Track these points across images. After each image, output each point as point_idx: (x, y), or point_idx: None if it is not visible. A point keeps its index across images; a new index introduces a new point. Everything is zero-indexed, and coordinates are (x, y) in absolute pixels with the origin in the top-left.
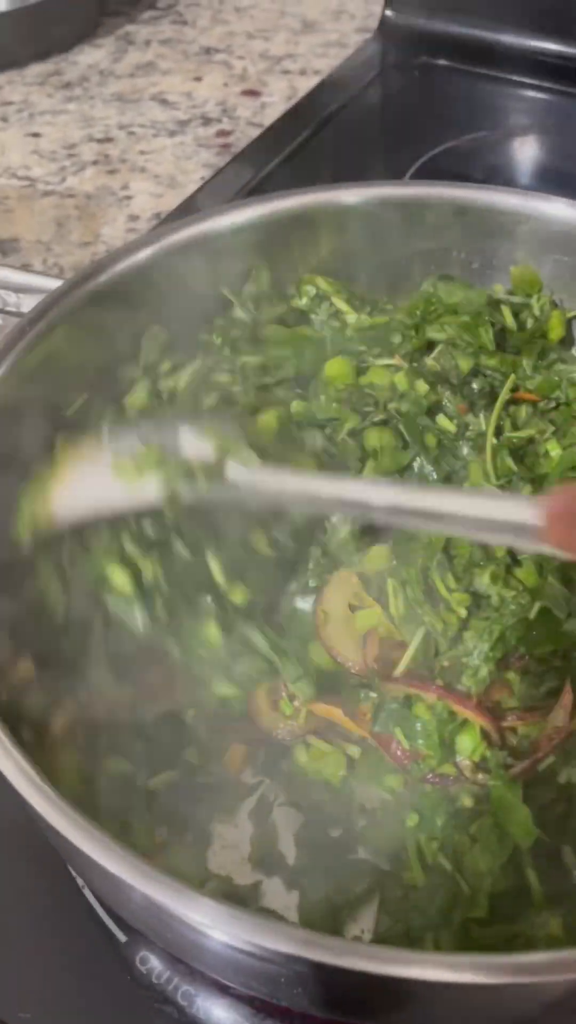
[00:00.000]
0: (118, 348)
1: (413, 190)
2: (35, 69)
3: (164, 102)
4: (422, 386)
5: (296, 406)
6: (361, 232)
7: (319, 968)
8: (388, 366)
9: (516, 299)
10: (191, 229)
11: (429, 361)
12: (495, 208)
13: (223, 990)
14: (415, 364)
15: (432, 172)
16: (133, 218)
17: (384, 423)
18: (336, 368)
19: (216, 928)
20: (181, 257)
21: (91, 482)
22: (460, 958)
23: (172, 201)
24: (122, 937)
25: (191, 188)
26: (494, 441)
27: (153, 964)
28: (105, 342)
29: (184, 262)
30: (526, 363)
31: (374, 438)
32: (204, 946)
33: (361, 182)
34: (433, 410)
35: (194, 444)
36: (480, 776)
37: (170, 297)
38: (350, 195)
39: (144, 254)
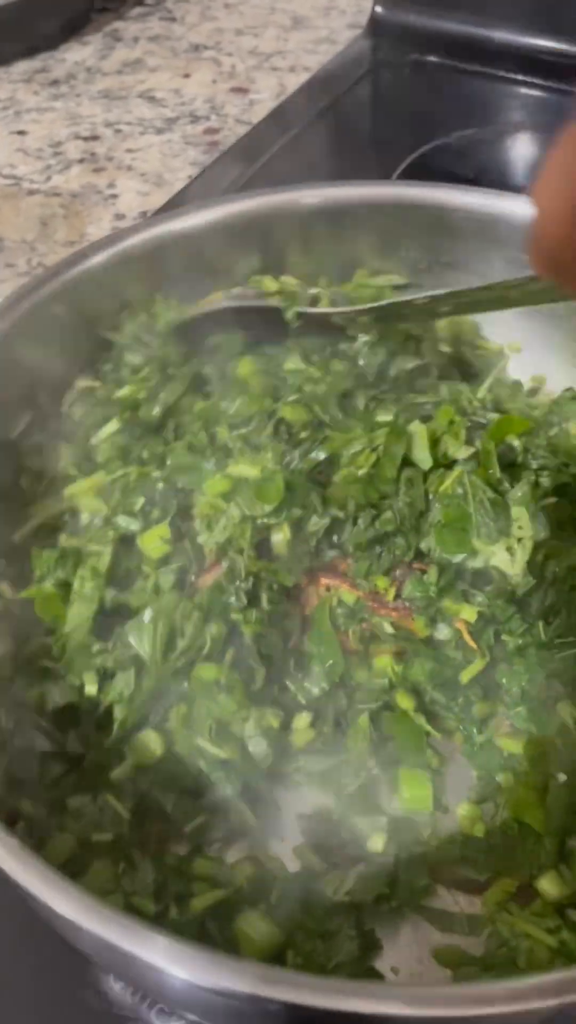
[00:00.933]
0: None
1: (363, 190)
2: (21, 66)
3: (152, 99)
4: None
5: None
6: (309, 231)
7: (282, 1006)
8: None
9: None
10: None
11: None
12: (445, 206)
13: None
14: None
15: (422, 170)
16: (119, 217)
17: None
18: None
19: (174, 966)
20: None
21: None
22: (419, 991)
23: (159, 199)
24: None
25: (178, 186)
26: None
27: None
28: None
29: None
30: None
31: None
32: (165, 984)
33: (310, 183)
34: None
35: None
36: None
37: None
38: (305, 196)
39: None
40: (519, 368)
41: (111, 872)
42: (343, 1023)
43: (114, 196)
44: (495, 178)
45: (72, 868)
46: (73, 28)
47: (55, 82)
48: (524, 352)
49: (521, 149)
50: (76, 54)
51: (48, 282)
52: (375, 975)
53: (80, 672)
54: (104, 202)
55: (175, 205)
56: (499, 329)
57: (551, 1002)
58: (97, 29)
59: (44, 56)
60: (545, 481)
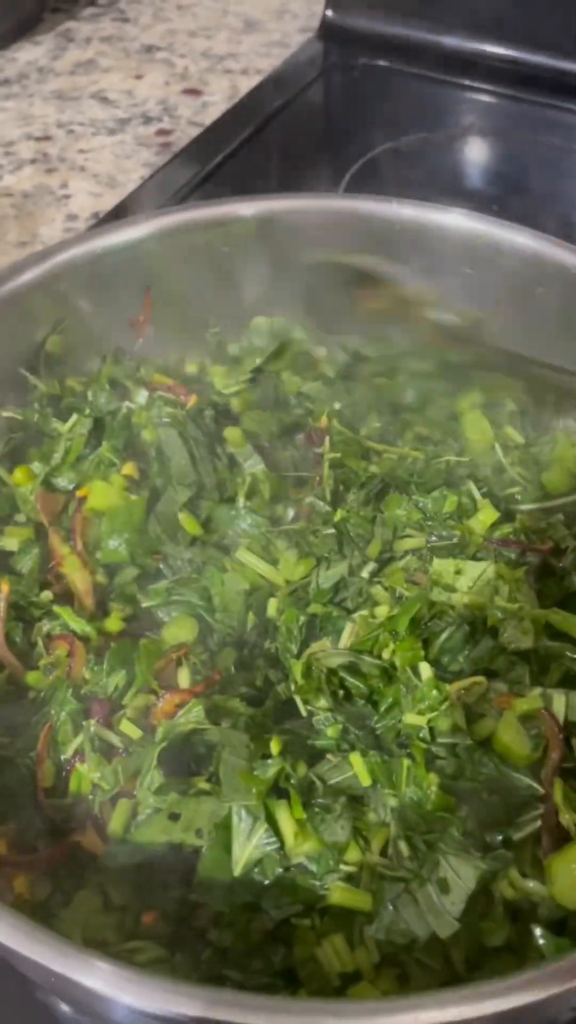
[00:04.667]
0: None
1: (312, 202)
2: None
3: (104, 100)
4: None
5: None
6: (254, 245)
7: None
8: None
9: None
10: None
11: None
12: (395, 221)
13: None
14: None
15: (373, 173)
16: (72, 218)
17: None
18: None
19: (117, 992)
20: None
21: None
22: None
23: (111, 201)
24: None
25: (131, 187)
26: None
27: None
28: None
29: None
30: None
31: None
32: (110, 1010)
33: (254, 195)
34: None
35: None
36: None
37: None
38: (245, 208)
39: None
40: None
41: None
42: None
43: (67, 197)
44: (445, 182)
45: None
46: (25, 28)
47: (7, 82)
48: None
49: (469, 153)
50: (28, 54)
51: None
52: None
53: None
54: (56, 203)
55: (127, 207)
56: None
57: None
58: (49, 29)
59: None
60: None
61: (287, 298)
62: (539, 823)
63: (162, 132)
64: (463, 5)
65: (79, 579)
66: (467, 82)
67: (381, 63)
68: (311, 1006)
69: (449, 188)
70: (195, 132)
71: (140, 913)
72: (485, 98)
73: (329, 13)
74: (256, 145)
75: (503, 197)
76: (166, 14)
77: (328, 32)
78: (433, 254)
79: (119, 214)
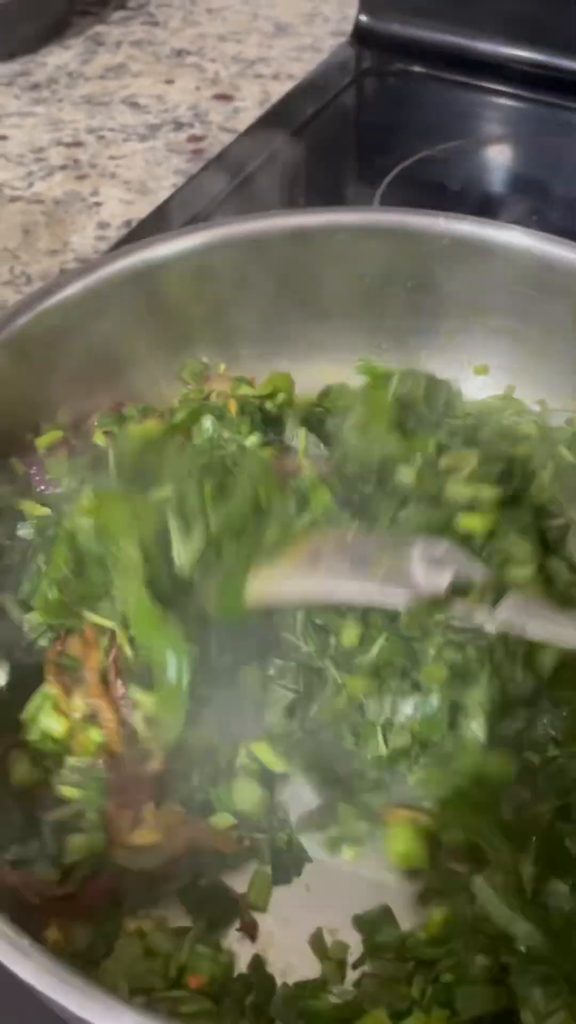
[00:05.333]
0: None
1: (360, 216)
2: (1, 70)
3: (135, 105)
4: None
5: None
6: (306, 259)
7: None
8: None
9: None
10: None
11: None
12: (447, 237)
13: None
14: None
15: (408, 182)
16: (103, 226)
17: None
18: None
19: None
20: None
21: (323, 573)
22: None
23: (143, 209)
24: None
25: (163, 195)
26: None
27: None
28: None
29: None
30: None
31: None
32: None
33: (311, 208)
34: None
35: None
36: None
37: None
38: (299, 220)
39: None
40: (487, 388)
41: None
42: None
43: (97, 204)
44: (480, 192)
45: None
46: (53, 31)
47: (36, 86)
48: (492, 372)
49: (506, 161)
50: (57, 58)
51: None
52: None
53: None
54: (88, 210)
55: (160, 215)
56: (465, 353)
57: None
58: (78, 33)
59: (24, 59)
60: None
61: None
62: None
63: (193, 138)
64: (499, 9)
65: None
66: (503, 88)
67: (416, 68)
68: None
69: (485, 197)
70: (227, 138)
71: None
72: (522, 104)
73: (363, 18)
74: (289, 153)
75: (541, 207)
76: (196, 18)
77: (361, 37)
78: (486, 273)
79: (155, 223)
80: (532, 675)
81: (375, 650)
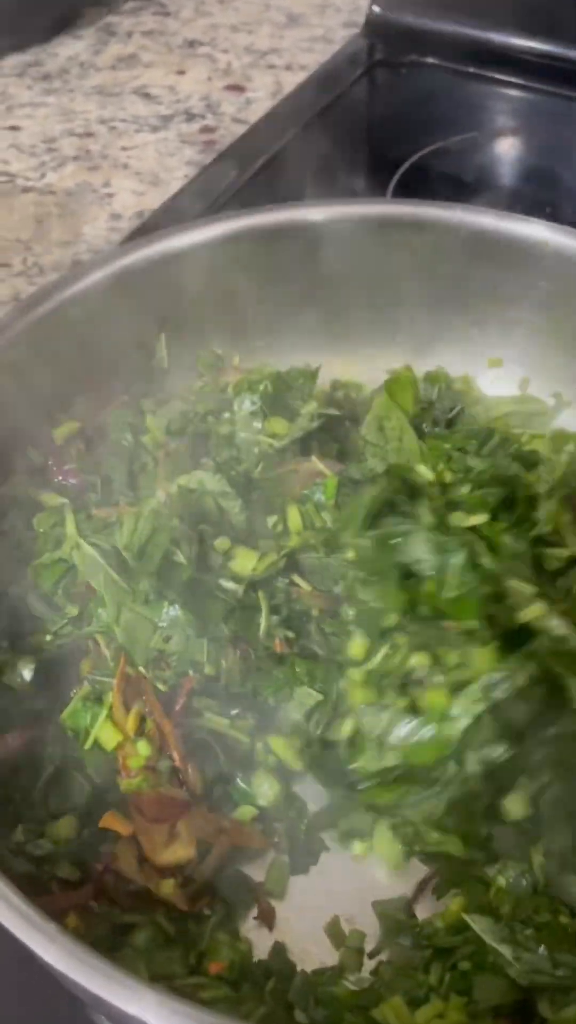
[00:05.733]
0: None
1: (378, 208)
2: (13, 60)
3: (146, 96)
4: None
5: None
6: (325, 253)
7: None
8: None
9: None
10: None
11: None
12: (464, 229)
13: None
14: None
15: (421, 174)
16: (115, 217)
17: None
18: None
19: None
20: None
21: None
22: None
23: (155, 200)
24: None
25: (175, 186)
26: None
27: None
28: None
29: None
30: None
31: None
32: None
33: (325, 200)
34: None
35: None
36: None
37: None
38: (313, 213)
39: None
40: (501, 380)
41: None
42: None
43: (109, 195)
44: (493, 184)
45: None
46: (65, 22)
47: (47, 76)
48: (506, 365)
49: (519, 153)
50: (69, 48)
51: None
52: None
53: None
54: (100, 201)
55: (172, 206)
56: (480, 347)
57: None
58: (90, 23)
59: (36, 50)
60: None
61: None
62: None
63: (206, 129)
64: (512, 0)
65: None
66: (517, 80)
67: (428, 60)
68: None
69: (498, 189)
70: (239, 129)
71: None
72: (534, 96)
73: (375, 8)
74: (301, 145)
75: (555, 199)
76: (207, 8)
77: (373, 28)
78: (503, 266)
79: (168, 215)
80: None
81: (376, 660)
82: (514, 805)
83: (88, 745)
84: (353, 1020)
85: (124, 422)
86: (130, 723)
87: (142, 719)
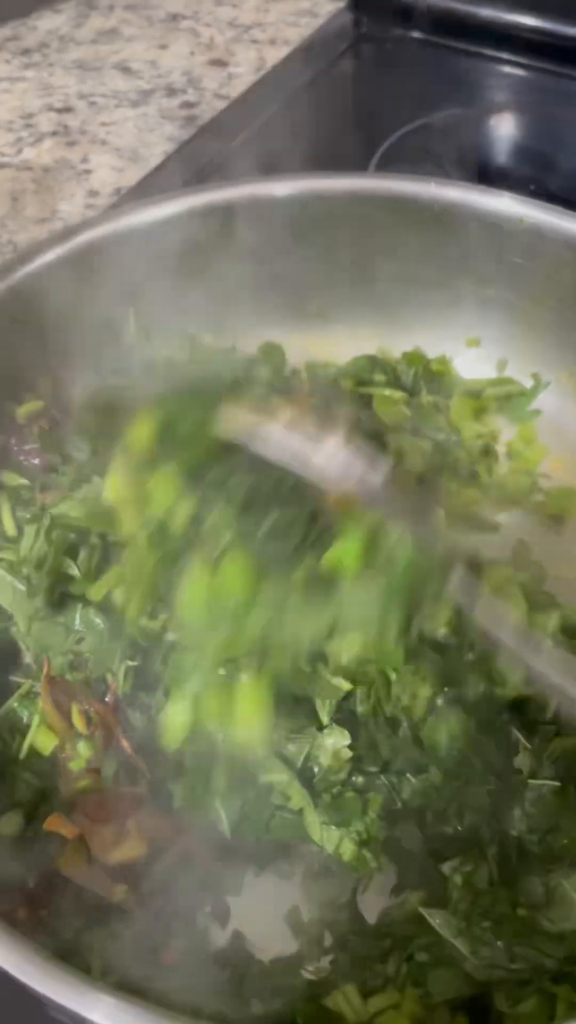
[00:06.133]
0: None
1: (349, 182)
2: None
3: (127, 71)
4: None
5: None
6: (290, 229)
7: None
8: None
9: None
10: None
11: None
12: (437, 203)
13: None
14: None
15: (405, 151)
16: (93, 193)
17: None
18: None
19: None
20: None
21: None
22: None
23: (134, 176)
24: None
25: (154, 162)
26: None
27: None
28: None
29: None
30: None
31: None
32: None
33: (287, 174)
34: None
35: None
36: None
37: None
38: (279, 188)
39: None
40: (479, 360)
41: None
42: None
43: (87, 172)
44: (479, 161)
45: None
46: None
47: (27, 51)
48: (484, 345)
49: (505, 130)
50: (49, 22)
51: None
52: None
53: None
54: (77, 177)
55: (150, 183)
56: (458, 326)
57: None
58: None
59: (15, 24)
60: None
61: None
62: None
63: (186, 105)
64: None
65: None
66: (503, 55)
67: (414, 35)
68: None
69: (484, 166)
70: (220, 105)
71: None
72: (522, 72)
73: None
74: (284, 120)
75: (540, 177)
76: None
77: (359, 2)
78: (475, 240)
79: (143, 191)
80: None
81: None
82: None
83: (23, 753)
84: (306, 1009)
85: (89, 401)
86: (77, 721)
87: (87, 717)
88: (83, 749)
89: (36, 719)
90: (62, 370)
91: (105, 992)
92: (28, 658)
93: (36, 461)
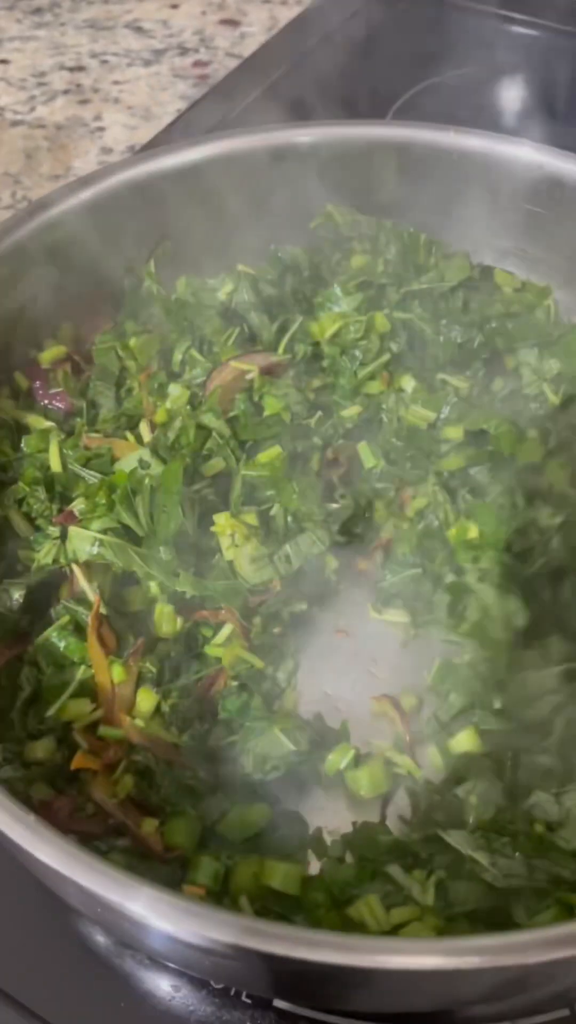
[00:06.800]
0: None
1: (369, 130)
2: None
3: (139, 30)
4: None
5: None
6: (313, 175)
7: (264, 957)
8: None
9: None
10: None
11: None
12: (456, 150)
13: None
14: None
15: (416, 109)
16: (106, 151)
17: None
18: None
19: (155, 918)
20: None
21: None
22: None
23: (146, 134)
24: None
25: (166, 120)
26: None
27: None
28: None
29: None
30: None
31: None
32: (147, 936)
33: (313, 122)
34: None
35: None
36: None
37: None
38: (303, 135)
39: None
40: None
41: None
42: (321, 972)
43: (101, 129)
44: (490, 119)
45: None
46: None
47: (38, 10)
48: None
49: (516, 90)
50: None
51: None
52: None
53: None
54: (90, 135)
55: (163, 140)
56: None
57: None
58: None
59: None
60: None
61: None
62: None
63: (199, 64)
64: None
65: None
66: (514, 15)
67: None
68: (347, 942)
69: (495, 124)
70: (232, 64)
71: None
72: (532, 32)
73: None
74: (295, 79)
75: (552, 135)
76: None
77: None
78: (496, 191)
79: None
80: None
81: None
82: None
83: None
84: (329, 918)
85: (110, 347)
86: (133, 674)
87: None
88: (145, 701)
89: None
90: (82, 316)
91: (146, 884)
92: (83, 582)
93: (61, 405)
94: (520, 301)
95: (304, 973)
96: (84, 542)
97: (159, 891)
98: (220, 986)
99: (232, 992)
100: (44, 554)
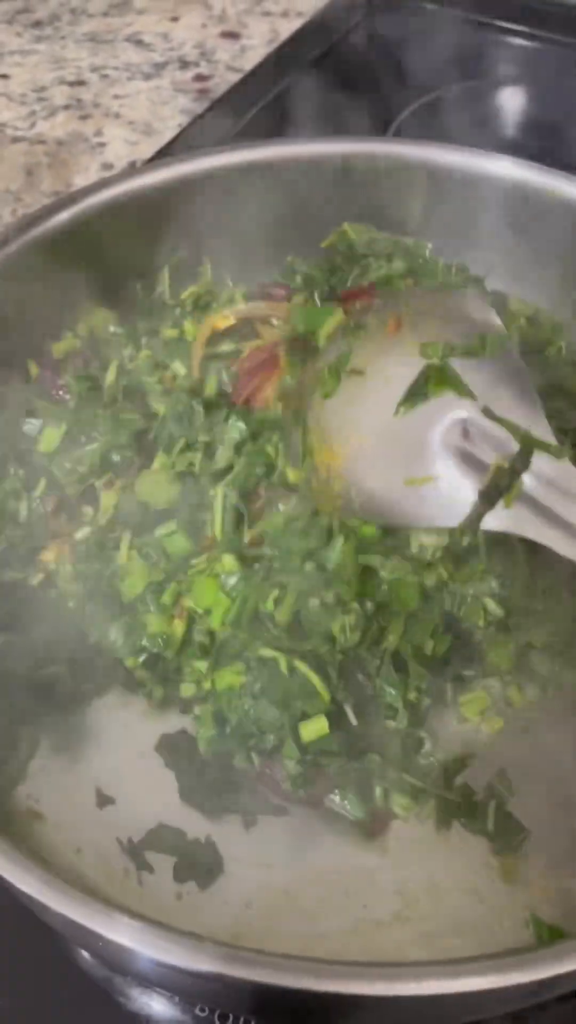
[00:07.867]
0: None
1: (351, 147)
2: (2, 7)
3: (139, 43)
4: None
5: None
6: (296, 191)
7: (247, 984)
8: None
9: None
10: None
11: None
12: (437, 166)
13: None
14: None
15: (419, 123)
16: (107, 166)
17: None
18: None
19: (139, 946)
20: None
21: None
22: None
23: (148, 149)
24: None
25: (168, 135)
26: None
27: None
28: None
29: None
30: None
31: None
32: (133, 962)
33: (294, 138)
34: None
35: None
36: None
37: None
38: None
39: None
40: None
41: None
42: (305, 1000)
43: (101, 145)
44: (492, 133)
45: None
46: None
47: (38, 23)
48: None
49: (519, 102)
50: None
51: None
52: None
53: None
54: (91, 151)
55: (165, 155)
56: None
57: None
58: None
59: None
60: None
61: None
62: None
63: (200, 78)
64: None
65: None
66: (517, 27)
67: (428, 6)
68: (332, 969)
69: (497, 139)
70: (233, 78)
71: None
72: (535, 44)
73: None
74: (297, 93)
75: (554, 148)
76: None
77: None
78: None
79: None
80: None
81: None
82: None
83: None
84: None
85: (120, 343)
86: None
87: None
88: None
89: None
90: (98, 312)
91: (132, 917)
92: None
93: (68, 397)
94: (535, 337)
95: (287, 999)
96: None
97: (140, 921)
98: (204, 1014)
99: (217, 1014)
100: None
